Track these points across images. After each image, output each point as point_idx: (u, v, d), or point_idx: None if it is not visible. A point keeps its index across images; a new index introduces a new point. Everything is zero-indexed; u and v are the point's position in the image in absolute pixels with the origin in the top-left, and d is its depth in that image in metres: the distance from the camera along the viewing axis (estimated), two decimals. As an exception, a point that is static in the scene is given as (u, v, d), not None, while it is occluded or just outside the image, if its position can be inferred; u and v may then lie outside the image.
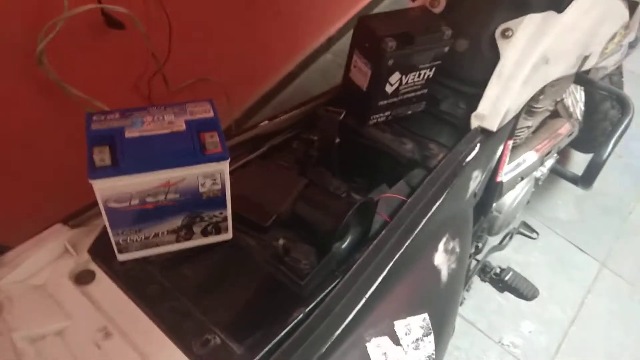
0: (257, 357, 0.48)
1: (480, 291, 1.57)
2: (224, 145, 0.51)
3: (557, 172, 1.37)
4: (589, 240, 1.79)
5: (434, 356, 0.60)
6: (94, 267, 0.55)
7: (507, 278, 1.14)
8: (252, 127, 0.76)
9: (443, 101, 0.84)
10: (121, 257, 0.56)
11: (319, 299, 0.55)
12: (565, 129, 1.15)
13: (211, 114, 0.54)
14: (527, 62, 0.78)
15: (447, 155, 0.75)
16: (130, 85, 1.17)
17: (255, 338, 0.51)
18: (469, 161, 0.76)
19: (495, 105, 0.79)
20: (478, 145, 0.78)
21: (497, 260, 1.53)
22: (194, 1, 1.20)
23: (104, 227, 0.53)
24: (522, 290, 1.13)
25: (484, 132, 0.79)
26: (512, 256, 1.72)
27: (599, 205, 1.89)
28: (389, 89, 0.75)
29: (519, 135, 1.09)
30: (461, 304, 1.26)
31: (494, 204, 1.04)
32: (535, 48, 0.77)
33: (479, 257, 1.15)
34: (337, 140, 0.73)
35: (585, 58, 0.90)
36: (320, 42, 1.87)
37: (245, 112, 1.61)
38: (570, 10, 0.76)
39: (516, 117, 0.87)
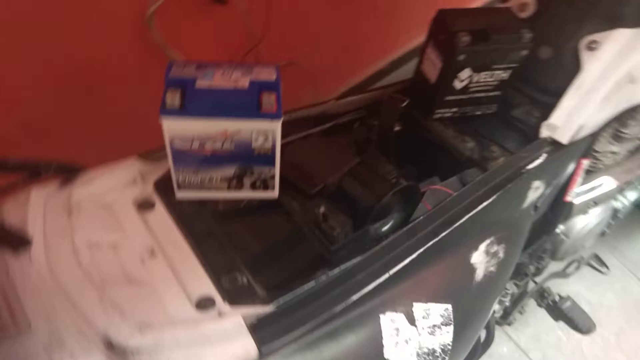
0: (275, 301, 0.53)
1: (540, 321, 1.50)
2: (279, 106, 0.56)
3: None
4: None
5: (449, 347, 0.60)
6: (155, 198, 0.62)
7: (564, 306, 1.09)
8: (320, 104, 0.80)
9: (516, 107, 0.82)
10: (179, 194, 0.63)
11: (344, 266, 0.58)
12: (656, 161, 1.07)
13: (274, 78, 0.59)
14: (610, 77, 0.75)
15: (508, 159, 0.75)
16: (226, 58, 1.26)
17: (278, 286, 0.55)
18: (531, 169, 0.74)
19: (570, 117, 0.76)
20: (544, 155, 0.76)
21: (563, 291, 1.45)
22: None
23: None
24: (578, 322, 1.07)
25: (554, 144, 0.77)
26: (583, 293, 1.61)
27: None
28: (457, 84, 0.75)
29: (601, 160, 1.03)
30: (510, 324, 1.21)
31: (561, 226, 1.00)
32: (621, 64, 0.74)
33: (538, 279, 1.11)
34: (398, 127, 0.75)
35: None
36: (417, 43, 1.87)
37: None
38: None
39: (593, 136, 0.83)
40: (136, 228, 0.57)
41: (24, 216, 0.51)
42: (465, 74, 0.74)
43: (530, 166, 0.74)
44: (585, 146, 0.84)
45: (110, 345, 0.44)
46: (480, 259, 0.69)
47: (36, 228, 0.50)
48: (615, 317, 1.57)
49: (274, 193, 0.65)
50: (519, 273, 1.05)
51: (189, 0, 1.07)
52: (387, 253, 0.59)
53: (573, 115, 0.76)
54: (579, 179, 0.90)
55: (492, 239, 0.73)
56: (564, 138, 0.76)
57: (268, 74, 0.59)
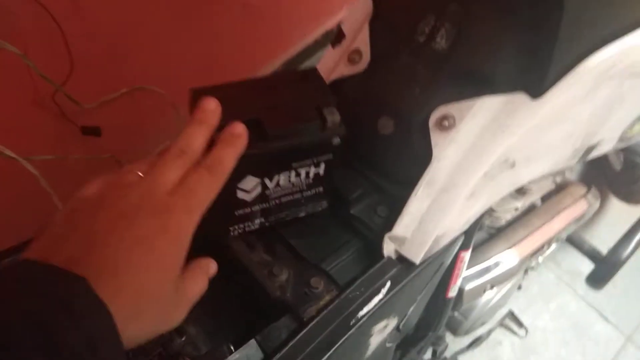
0: None
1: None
2: None
3: (571, 242, 1.07)
4: (616, 306, 1.47)
5: None
6: None
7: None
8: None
9: (355, 201, 0.57)
10: None
11: None
12: (574, 212, 0.84)
13: None
14: (475, 167, 0.50)
15: (334, 303, 0.50)
16: (29, 109, 0.96)
17: None
18: (365, 315, 0.50)
19: (422, 226, 0.52)
20: (387, 284, 0.51)
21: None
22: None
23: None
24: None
25: (403, 263, 0.53)
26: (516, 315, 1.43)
27: (635, 263, 1.52)
28: (245, 196, 0.49)
29: (502, 217, 0.80)
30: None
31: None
32: (490, 148, 0.49)
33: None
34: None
35: (591, 148, 0.59)
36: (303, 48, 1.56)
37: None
38: (553, 98, 0.46)
39: (471, 229, 0.59)
40: None
41: None
42: (249, 183, 0.48)
43: (365, 310, 0.50)
44: (458, 245, 0.60)
45: None
46: None
47: None
48: (553, 341, 1.40)
49: None
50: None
51: None
52: None
53: (426, 223, 0.52)
54: (460, 272, 0.66)
55: None
56: (415, 255, 0.52)
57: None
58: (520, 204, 0.78)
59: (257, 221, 0.54)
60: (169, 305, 0.36)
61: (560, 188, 0.90)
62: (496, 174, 0.51)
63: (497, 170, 0.51)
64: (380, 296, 0.51)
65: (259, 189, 0.49)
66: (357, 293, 0.50)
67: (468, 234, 0.60)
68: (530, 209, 0.87)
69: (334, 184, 0.54)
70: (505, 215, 0.79)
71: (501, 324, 1.02)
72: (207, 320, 0.53)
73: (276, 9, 1.38)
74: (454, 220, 0.53)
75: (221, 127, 0.43)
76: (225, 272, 0.56)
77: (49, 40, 0.92)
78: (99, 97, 1.05)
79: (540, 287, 1.49)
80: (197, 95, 0.46)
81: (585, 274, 1.53)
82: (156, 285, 0.34)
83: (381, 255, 0.53)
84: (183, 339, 0.52)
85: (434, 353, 0.87)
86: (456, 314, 0.80)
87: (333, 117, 0.46)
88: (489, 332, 1.00)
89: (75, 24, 0.95)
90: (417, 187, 0.51)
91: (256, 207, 0.52)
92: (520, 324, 1.05)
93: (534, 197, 0.81)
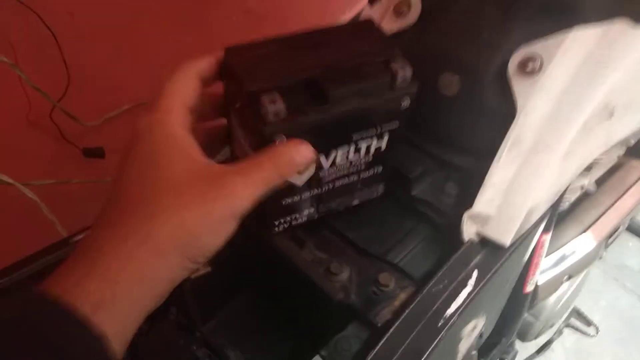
0: None
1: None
2: None
3: (631, 230, 0.97)
4: (670, 297, 1.36)
5: None
6: None
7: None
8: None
9: (417, 181, 0.47)
10: None
11: None
12: (643, 186, 0.74)
13: None
14: (571, 117, 0.41)
15: (414, 302, 0.40)
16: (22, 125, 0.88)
17: None
18: (454, 313, 0.40)
19: (509, 200, 0.42)
20: (474, 274, 0.42)
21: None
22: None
23: None
24: None
25: (488, 246, 0.43)
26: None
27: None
28: (295, 179, 0.40)
29: (568, 198, 0.71)
30: None
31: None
32: (588, 90, 0.40)
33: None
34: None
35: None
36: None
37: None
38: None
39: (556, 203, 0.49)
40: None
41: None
42: (299, 161, 0.38)
43: (453, 308, 0.40)
44: (545, 220, 0.50)
45: None
46: None
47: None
48: (607, 340, 1.28)
49: None
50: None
51: None
52: None
53: (515, 194, 0.42)
54: (540, 260, 0.56)
55: None
56: (505, 235, 0.42)
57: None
58: (587, 181, 0.69)
59: (306, 212, 0.44)
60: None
61: (617, 165, 0.81)
62: (594, 125, 0.42)
63: (596, 121, 0.42)
64: (468, 289, 0.41)
65: (312, 170, 0.40)
66: (441, 287, 0.40)
67: (552, 210, 0.50)
68: (587, 194, 0.78)
69: (395, 163, 0.45)
70: (570, 197, 0.69)
71: (567, 323, 0.91)
72: (255, 336, 0.43)
73: (278, 15, 1.31)
74: (547, 189, 0.43)
75: (273, 87, 0.34)
76: (271, 276, 0.46)
77: (44, 53, 0.85)
78: (99, 114, 0.96)
79: (587, 284, 1.39)
80: (232, 54, 0.37)
81: (631, 267, 1.44)
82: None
83: (460, 240, 0.43)
84: (227, 364, 0.42)
85: (501, 363, 0.76)
86: (526, 314, 0.70)
87: (404, 71, 0.37)
88: (559, 334, 0.89)
89: (71, 35, 0.88)
90: (500, 151, 0.42)
91: (306, 194, 0.42)
92: (588, 322, 0.94)
93: (600, 172, 0.72)
